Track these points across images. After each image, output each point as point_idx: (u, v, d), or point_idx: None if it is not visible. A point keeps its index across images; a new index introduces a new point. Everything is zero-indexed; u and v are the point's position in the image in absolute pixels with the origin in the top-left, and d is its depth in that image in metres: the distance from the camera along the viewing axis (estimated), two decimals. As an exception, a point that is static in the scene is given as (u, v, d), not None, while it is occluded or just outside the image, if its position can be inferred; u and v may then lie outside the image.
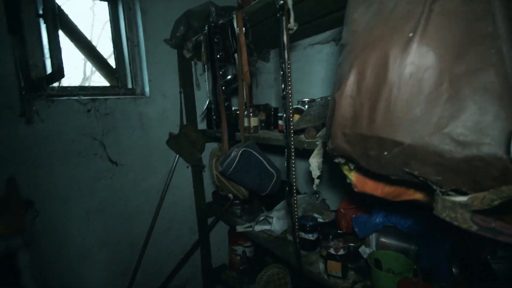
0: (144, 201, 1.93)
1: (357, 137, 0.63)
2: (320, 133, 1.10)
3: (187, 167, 2.08)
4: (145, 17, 1.84)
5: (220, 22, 1.39)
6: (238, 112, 1.56)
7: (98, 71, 2.02)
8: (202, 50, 1.58)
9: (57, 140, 1.60)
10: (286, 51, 0.99)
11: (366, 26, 0.62)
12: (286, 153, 1.06)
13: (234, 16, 1.26)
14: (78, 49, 1.90)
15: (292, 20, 0.97)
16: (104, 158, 1.76)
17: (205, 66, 1.61)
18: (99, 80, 2.02)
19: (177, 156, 2.00)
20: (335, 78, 0.68)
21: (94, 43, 1.98)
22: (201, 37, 1.58)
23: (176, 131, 1.98)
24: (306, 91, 1.86)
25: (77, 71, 2.68)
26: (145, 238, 1.92)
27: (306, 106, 1.38)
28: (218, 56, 1.39)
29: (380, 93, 0.57)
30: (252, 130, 1.49)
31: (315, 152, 1.03)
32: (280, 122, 1.40)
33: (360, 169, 0.74)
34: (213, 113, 1.56)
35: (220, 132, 1.49)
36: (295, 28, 0.98)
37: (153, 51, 1.88)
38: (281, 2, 0.96)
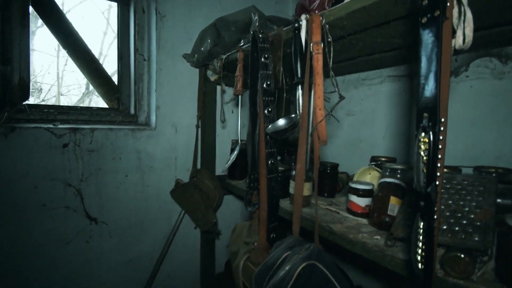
0: (130, 272, 1.35)
1: None
2: (484, 269, 0.52)
3: (195, 227, 1.51)
4: (162, 24, 1.36)
5: (273, 32, 0.87)
6: (288, 172, 1.02)
7: (95, 88, 1.54)
8: (237, 73, 1.06)
9: (11, 186, 1.08)
10: (442, 95, 0.44)
11: None
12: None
13: (304, 22, 0.74)
14: (69, 54, 1.42)
15: (469, 31, 0.42)
16: (80, 213, 1.22)
17: (238, 97, 1.08)
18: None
19: (183, 211, 1.44)
20: None
21: (103, 54, 1.51)
22: (237, 54, 1.06)
23: (185, 177, 1.44)
24: (366, 138, 1.30)
25: (82, 82, 2.23)
26: (124, 329, 1.33)
27: (395, 179, 0.80)
28: (265, 86, 0.86)
29: None
30: (303, 203, 0.93)
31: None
32: (355, 199, 0.82)
33: None
34: (248, 169, 0.96)
35: (254, 204, 0.93)
36: (467, 46, 0.44)
37: (166, 68, 1.39)
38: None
